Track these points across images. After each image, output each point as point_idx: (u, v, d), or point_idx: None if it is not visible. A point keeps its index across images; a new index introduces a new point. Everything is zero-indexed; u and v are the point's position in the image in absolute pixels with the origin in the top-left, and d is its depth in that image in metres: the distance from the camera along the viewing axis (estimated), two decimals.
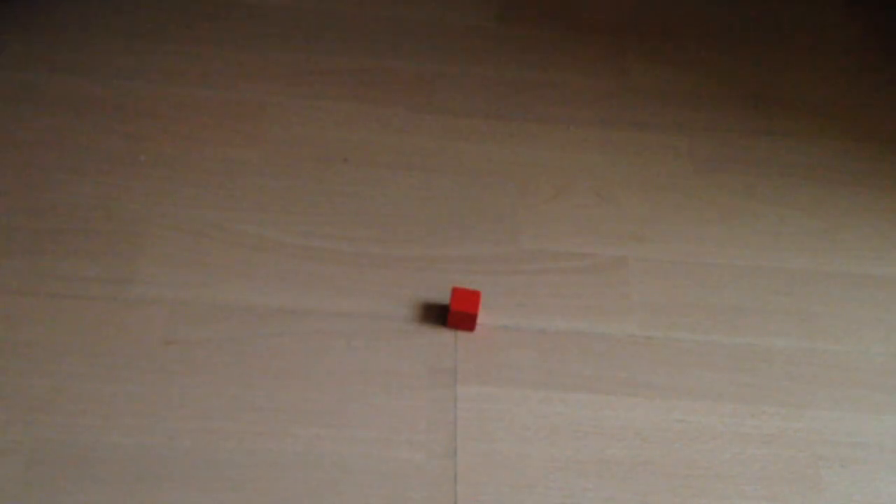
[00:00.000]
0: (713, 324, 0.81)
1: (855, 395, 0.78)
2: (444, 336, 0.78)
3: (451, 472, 0.71)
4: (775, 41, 1.06)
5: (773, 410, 0.76)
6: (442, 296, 0.80)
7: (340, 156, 0.89)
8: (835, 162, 0.95)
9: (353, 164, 0.89)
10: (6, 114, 0.88)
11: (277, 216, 0.84)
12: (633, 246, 0.86)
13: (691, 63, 1.02)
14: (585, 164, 0.92)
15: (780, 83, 1.01)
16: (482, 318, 0.79)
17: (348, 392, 0.74)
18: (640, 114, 0.96)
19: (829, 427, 0.76)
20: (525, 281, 0.82)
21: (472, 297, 0.77)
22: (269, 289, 0.79)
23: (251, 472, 0.69)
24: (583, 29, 1.04)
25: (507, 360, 0.77)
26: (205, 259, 0.80)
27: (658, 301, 0.82)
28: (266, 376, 0.73)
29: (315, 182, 0.87)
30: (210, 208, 0.84)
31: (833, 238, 0.89)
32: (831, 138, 0.97)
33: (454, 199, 0.87)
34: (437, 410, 0.73)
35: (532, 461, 0.72)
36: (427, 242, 0.84)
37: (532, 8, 1.05)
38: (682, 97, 0.99)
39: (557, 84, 0.98)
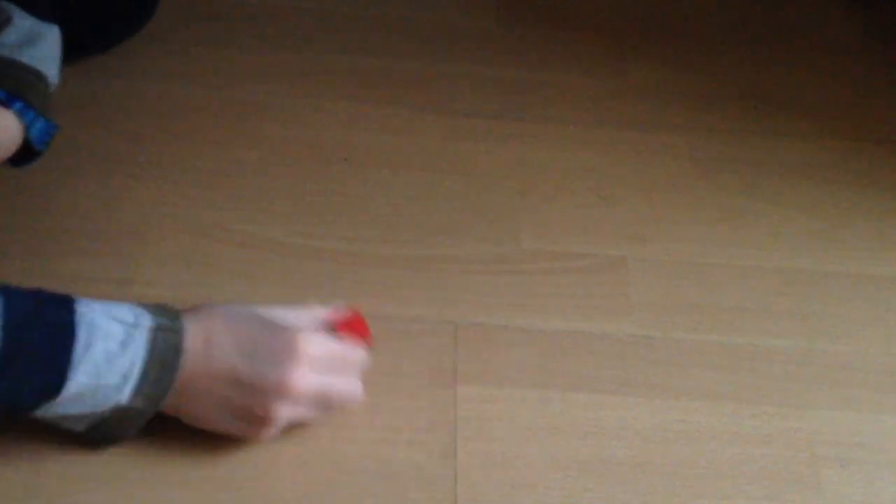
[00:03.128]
0: (713, 324, 0.81)
1: (855, 395, 0.78)
2: (445, 336, 0.78)
3: (451, 472, 0.70)
4: (775, 41, 1.06)
5: (773, 410, 0.76)
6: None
7: (340, 156, 0.89)
8: (835, 162, 0.95)
9: (353, 164, 0.89)
10: None
11: (277, 216, 0.84)
12: (633, 246, 0.86)
13: (691, 63, 1.02)
14: (585, 164, 0.92)
15: (780, 83, 1.01)
16: (483, 318, 0.79)
17: None
18: (640, 114, 0.96)
19: (829, 427, 0.76)
20: (525, 281, 0.82)
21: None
22: (269, 289, 0.79)
23: (251, 472, 0.69)
24: (583, 29, 1.04)
25: (507, 360, 0.77)
26: (205, 259, 0.80)
27: (658, 301, 0.82)
28: None
29: (315, 182, 0.87)
30: (210, 208, 0.84)
31: (833, 238, 0.89)
32: (831, 138, 0.97)
33: (454, 199, 0.87)
34: (437, 410, 0.73)
35: (532, 461, 0.72)
36: (427, 242, 0.84)
37: (532, 8, 1.05)
38: (682, 97, 0.99)
39: (557, 84, 0.98)
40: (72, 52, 0.85)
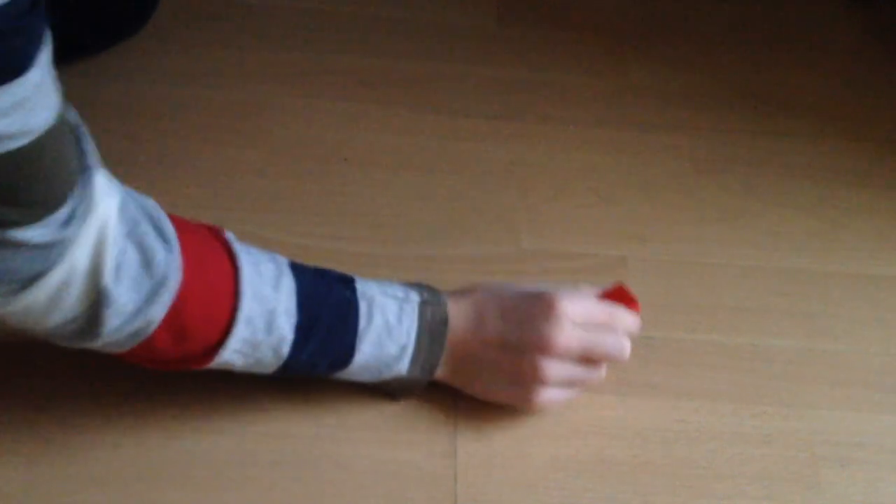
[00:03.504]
0: (713, 324, 0.81)
1: (855, 395, 0.78)
2: None
3: (451, 472, 0.70)
4: (775, 41, 1.06)
5: (773, 410, 0.76)
6: None
7: (340, 156, 0.89)
8: (835, 162, 0.95)
9: (353, 164, 0.89)
10: None
11: (277, 216, 0.84)
12: (633, 246, 0.86)
13: (691, 63, 1.02)
14: (585, 164, 0.92)
15: (780, 83, 1.01)
16: None
17: (348, 392, 0.74)
18: (640, 114, 0.96)
19: (829, 427, 0.76)
20: (525, 281, 0.82)
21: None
22: None
23: (251, 472, 0.69)
24: (583, 29, 1.04)
25: None
26: None
27: (658, 301, 0.82)
28: (266, 376, 0.73)
29: (315, 182, 0.87)
30: (210, 208, 0.84)
31: (833, 238, 0.89)
32: (831, 138, 0.97)
33: (454, 199, 0.87)
34: (437, 411, 0.73)
35: (532, 461, 0.72)
36: (427, 242, 0.84)
37: (532, 8, 1.05)
38: (682, 97, 0.99)
39: (557, 84, 0.98)
40: (72, 52, 0.85)
